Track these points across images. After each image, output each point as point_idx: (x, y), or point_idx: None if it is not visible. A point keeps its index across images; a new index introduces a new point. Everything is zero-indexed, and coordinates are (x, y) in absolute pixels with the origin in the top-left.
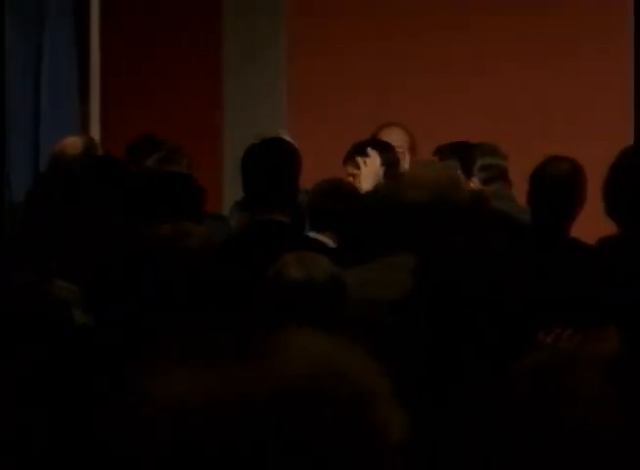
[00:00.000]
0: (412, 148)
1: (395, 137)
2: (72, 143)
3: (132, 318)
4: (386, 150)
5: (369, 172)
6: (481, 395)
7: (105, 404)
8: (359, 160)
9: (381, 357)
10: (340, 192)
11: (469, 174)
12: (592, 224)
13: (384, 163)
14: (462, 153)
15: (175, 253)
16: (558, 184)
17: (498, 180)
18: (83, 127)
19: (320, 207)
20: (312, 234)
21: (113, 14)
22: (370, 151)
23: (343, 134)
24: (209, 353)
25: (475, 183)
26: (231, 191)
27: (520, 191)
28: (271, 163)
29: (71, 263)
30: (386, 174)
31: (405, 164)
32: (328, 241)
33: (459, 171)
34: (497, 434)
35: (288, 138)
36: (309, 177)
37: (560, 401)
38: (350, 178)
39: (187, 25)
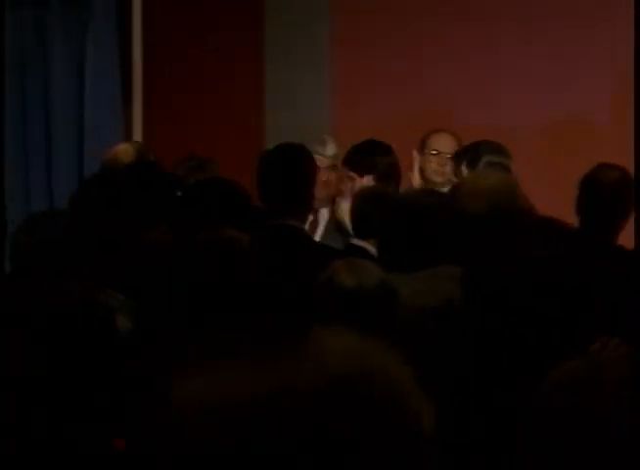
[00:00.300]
0: None
1: (444, 143)
2: (125, 150)
3: (171, 323)
4: (376, 155)
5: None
6: (521, 400)
7: (130, 408)
8: (349, 175)
9: (425, 363)
10: (383, 199)
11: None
12: None
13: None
14: (469, 152)
15: (215, 258)
16: (608, 192)
17: None
18: (126, 130)
19: (363, 214)
20: (356, 241)
21: (154, 16)
22: (351, 174)
23: (387, 135)
24: (231, 354)
25: None
26: None
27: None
28: (284, 168)
29: (114, 270)
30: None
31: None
32: (371, 248)
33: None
34: (534, 439)
35: (332, 142)
36: None
37: (593, 409)
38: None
39: (229, 28)
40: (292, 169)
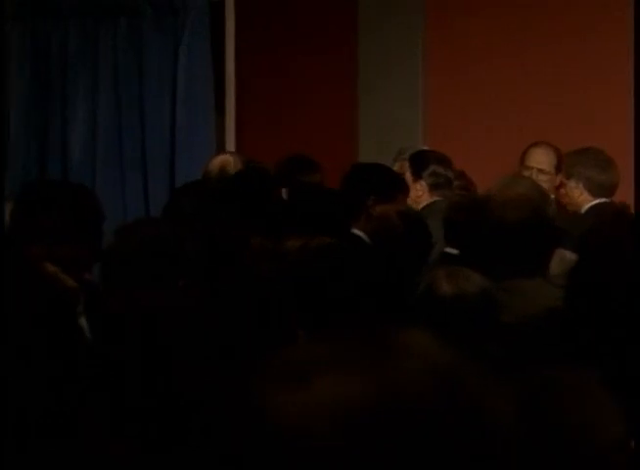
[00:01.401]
0: (559, 168)
1: (540, 159)
2: (232, 162)
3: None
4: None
5: None
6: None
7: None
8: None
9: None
10: (471, 207)
11: (417, 178)
12: None
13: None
14: (415, 160)
15: (297, 266)
16: None
17: (444, 188)
18: (218, 134)
19: (452, 222)
20: (448, 249)
21: (247, 19)
22: None
23: (483, 150)
24: (337, 357)
25: (421, 186)
26: None
27: None
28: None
29: (218, 278)
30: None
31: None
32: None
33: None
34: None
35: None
36: None
37: (561, 413)
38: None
39: (322, 39)
40: (354, 181)
